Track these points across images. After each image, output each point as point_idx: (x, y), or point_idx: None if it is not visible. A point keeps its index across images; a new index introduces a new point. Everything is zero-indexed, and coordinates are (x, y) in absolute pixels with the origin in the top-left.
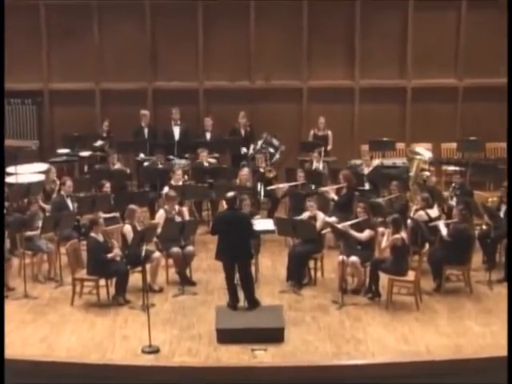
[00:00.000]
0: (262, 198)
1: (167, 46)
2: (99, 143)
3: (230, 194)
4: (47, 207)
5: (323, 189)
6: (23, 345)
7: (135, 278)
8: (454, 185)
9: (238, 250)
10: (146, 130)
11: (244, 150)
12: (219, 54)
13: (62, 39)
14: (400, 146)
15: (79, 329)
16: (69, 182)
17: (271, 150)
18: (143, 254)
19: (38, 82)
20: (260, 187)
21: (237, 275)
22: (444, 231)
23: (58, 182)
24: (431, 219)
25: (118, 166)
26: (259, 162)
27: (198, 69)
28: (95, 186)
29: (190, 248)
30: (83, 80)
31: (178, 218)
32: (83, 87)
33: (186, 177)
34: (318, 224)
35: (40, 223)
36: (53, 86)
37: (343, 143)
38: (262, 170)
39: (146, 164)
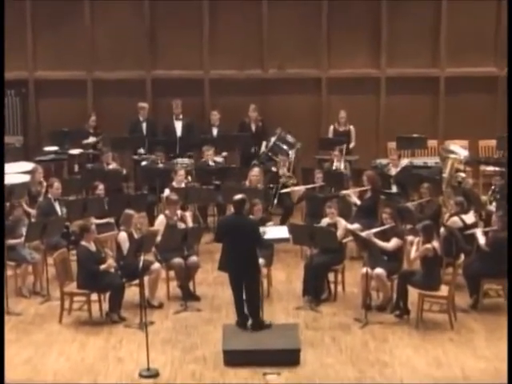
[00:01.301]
0: (275, 202)
1: (168, 30)
2: (91, 140)
3: (239, 196)
4: (32, 212)
5: (344, 192)
6: (5, 367)
7: (132, 293)
8: (493, 187)
9: (242, 262)
10: (144, 125)
11: (255, 148)
12: (227, 38)
13: (49, 22)
14: (432, 143)
15: (68, 350)
16: (57, 184)
17: (285, 148)
18: (141, 265)
19: (21, 71)
20: (273, 190)
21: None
22: (482, 240)
23: (44, 184)
24: (467, 226)
25: (112, 165)
26: (281, 163)
27: (202, 56)
28: (87, 188)
29: (193, 258)
30: (73, 68)
31: (180, 225)
32: (73, 76)
33: (189, 178)
34: (339, 232)
35: (24, 230)
36: (39, 74)
37: (367, 140)
38: (275, 169)
39: (144, 163)
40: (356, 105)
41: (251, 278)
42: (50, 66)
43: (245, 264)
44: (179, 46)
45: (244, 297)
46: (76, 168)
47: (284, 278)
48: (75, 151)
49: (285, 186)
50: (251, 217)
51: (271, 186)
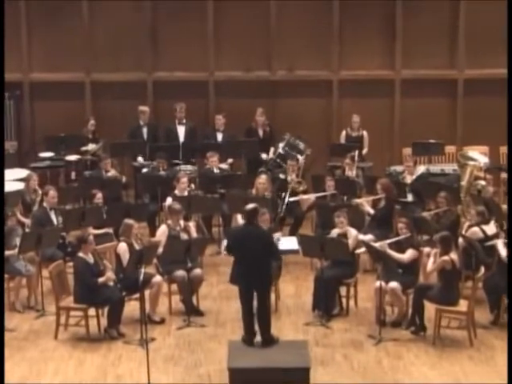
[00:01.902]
0: (284, 211)
1: (170, 29)
2: (91, 147)
3: (251, 205)
4: (27, 222)
5: (357, 201)
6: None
7: (131, 307)
8: None
9: (255, 274)
10: (144, 130)
11: (263, 154)
12: (233, 38)
13: (45, 20)
14: (450, 149)
15: (64, 367)
16: (52, 192)
17: (295, 154)
18: (141, 278)
19: (15, 72)
20: (281, 198)
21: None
22: (503, 252)
23: (39, 192)
24: (487, 237)
25: (111, 172)
26: (290, 169)
27: (207, 56)
28: (84, 197)
29: (197, 271)
30: (70, 70)
31: (183, 236)
32: (70, 78)
33: (192, 186)
34: (351, 243)
35: (18, 241)
36: (34, 76)
37: (381, 146)
38: (283, 176)
39: (144, 170)
40: (369, 108)
41: (263, 291)
42: (45, 67)
43: (258, 276)
44: (182, 45)
45: (254, 311)
46: (73, 175)
47: (293, 292)
48: (72, 157)
49: (294, 192)
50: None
51: (279, 194)
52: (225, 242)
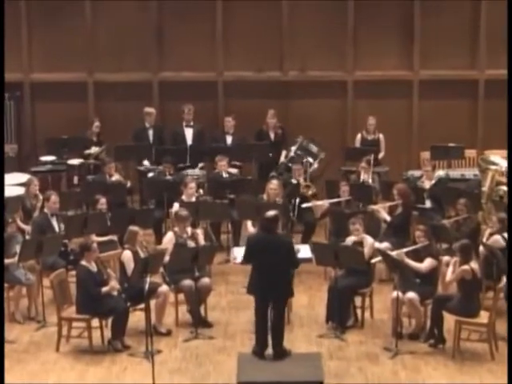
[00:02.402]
0: (296, 218)
1: (177, 27)
2: (94, 150)
3: (271, 212)
4: (27, 228)
5: (373, 207)
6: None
7: (136, 318)
8: None
9: (274, 284)
10: (150, 132)
11: (274, 157)
12: (243, 36)
13: (46, 19)
14: (470, 153)
15: (66, 380)
16: (54, 198)
17: (308, 159)
18: (147, 287)
19: (16, 72)
20: (293, 204)
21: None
22: None
23: (40, 197)
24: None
25: (115, 177)
26: (296, 174)
27: (215, 56)
28: (87, 203)
29: (205, 280)
30: (72, 69)
31: (190, 243)
32: (72, 78)
33: (200, 191)
34: (367, 251)
35: (18, 248)
36: (35, 76)
37: (398, 150)
38: (295, 181)
39: (150, 175)
40: (386, 110)
41: (281, 302)
42: (46, 66)
43: (277, 287)
44: (189, 44)
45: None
46: (75, 180)
47: (306, 303)
48: (75, 161)
49: (304, 197)
50: None
51: (291, 199)
52: (235, 251)
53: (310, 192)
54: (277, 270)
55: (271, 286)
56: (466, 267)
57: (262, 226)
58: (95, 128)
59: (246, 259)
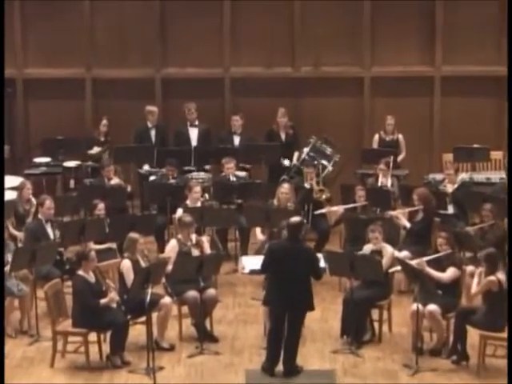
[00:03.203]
0: (309, 224)
1: (181, 20)
2: (95, 150)
3: (295, 219)
4: (20, 235)
5: (392, 213)
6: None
7: (137, 332)
8: None
9: (294, 296)
10: (152, 133)
11: (285, 160)
12: (251, 30)
13: (42, 12)
14: (496, 155)
15: None
16: (48, 202)
17: (321, 161)
18: (148, 299)
19: (8, 68)
20: (306, 210)
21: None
22: None
23: (34, 202)
24: None
25: (114, 180)
26: (308, 177)
27: (222, 51)
28: (84, 208)
29: (211, 292)
30: (69, 65)
31: (195, 252)
32: (69, 75)
33: (206, 196)
34: (385, 261)
35: (10, 257)
36: (29, 72)
37: (419, 151)
38: (308, 185)
39: (152, 178)
40: (405, 109)
41: (299, 316)
42: (41, 61)
43: (296, 299)
44: (194, 38)
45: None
46: (72, 183)
47: (319, 316)
48: (71, 163)
49: (317, 202)
50: None
51: (304, 205)
52: (243, 260)
53: (323, 196)
54: (298, 281)
55: (291, 298)
56: (492, 278)
57: (287, 233)
58: (103, 127)
59: (265, 268)
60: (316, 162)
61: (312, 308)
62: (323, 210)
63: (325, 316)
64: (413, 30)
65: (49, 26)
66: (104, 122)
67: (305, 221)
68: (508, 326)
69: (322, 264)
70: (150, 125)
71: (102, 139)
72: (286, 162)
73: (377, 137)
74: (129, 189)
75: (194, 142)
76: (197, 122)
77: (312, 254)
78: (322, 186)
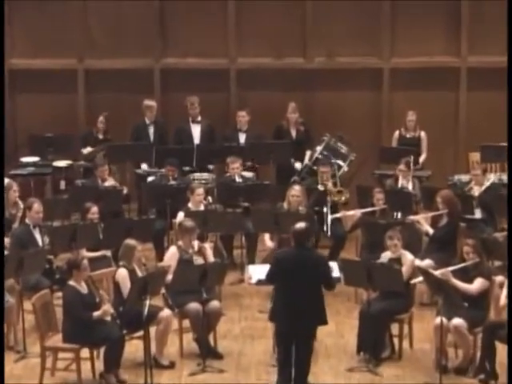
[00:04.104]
0: (324, 230)
1: (182, 7)
2: (88, 150)
3: (301, 225)
4: (6, 242)
5: (413, 218)
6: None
7: (134, 348)
8: None
9: (304, 309)
10: (151, 130)
11: (296, 163)
12: (259, 17)
13: None
14: None
15: None
16: (37, 206)
17: (336, 161)
18: (146, 312)
19: None
20: (324, 213)
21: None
22: None
23: (21, 205)
24: None
25: (109, 181)
26: (323, 177)
27: (227, 39)
28: (76, 212)
29: (214, 304)
30: (59, 55)
31: (197, 260)
32: (60, 65)
33: (209, 198)
34: (406, 270)
35: None
36: (15, 63)
37: (443, 150)
38: (321, 187)
39: (150, 179)
40: (428, 104)
41: (310, 331)
42: (29, 52)
43: (306, 312)
44: (197, 26)
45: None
46: (62, 185)
47: (333, 330)
48: (61, 163)
49: (334, 206)
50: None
51: (317, 209)
52: (250, 269)
53: (343, 198)
54: (308, 293)
55: (300, 312)
56: None
57: (293, 240)
58: (100, 123)
59: (270, 278)
60: (333, 161)
61: (324, 322)
62: (338, 215)
63: (340, 330)
64: (436, 16)
65: (37, 12)
66: (101, 118)
67: (317, 226)
68: (508, 325)
69: (337, 273)
70: (147, 121)
71: (101, 137)
72: (298, 166)
73: (397, 134)
74: (125, 191)
75: (196, 140)
76: (199, 118)
77: (323, 261)
78: (339, 186)
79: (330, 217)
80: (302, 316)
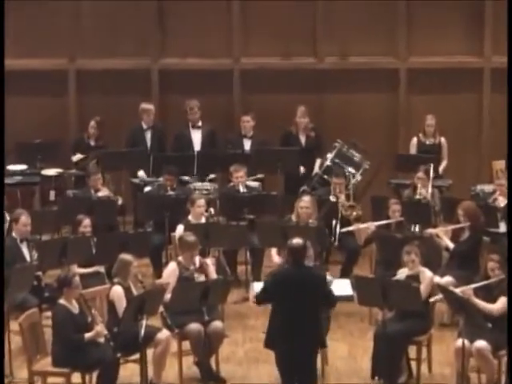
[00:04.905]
0: (335, 244)
1: (182, 2)
2: (78, 157)
3: (297, 240)
4: None
5: (432, 231)
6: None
7: (129, 372)
8: None
9: (303, 333)
10: (148, 135)
11: (301, 171)
12: (265, 13)
13: None
14: None
15: None
16: (24, 218)
17: (348, 169)
18: (142, 333)
19: None
20: (331, 228)
21: None
22: None
23: (7, 218)
24: None
25: (103, 191)
26: (336, 189)
27: (230, 38)
28: (67, 225)
29: (217, 324)
30: (49, 55)
31: (198, 277)
32: (49, 66)
33: (211, 210)
34: (425, 288)
35: None
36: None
37: (465, 158)
38: (333, 198)
39: (147, 189)
40: (449, 107)
41: (311, 356)
42: (15, 51)
43: (306, 335)
44: (198, 23)
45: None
46: (52, 195)
47: (345, 353)
48: (51, 171)
49: (345, 219)
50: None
51: (328, 222)
52: (255, 287)
53: (354, 214)
54: (307, 315)
55: (298, 336)
56: None
57: (289, 257)
58: (91, 129)
59: (262, 298)
60: (346, 171)
61: (323, 344)
62: (351, 228)
63: (352, 353)
64: (457, 12)
65: (25, 9)
66: (92, 123)
67: (328, 240)
68: (508, 325)
69: (349, 291)
70: (144, 125)
71: (92, 144)
72: (302, 170)
73: (415, 140)
74: (120, 201)
75: (196, 147)
76: (200, 123)
77: (320, 277)
78: (352, 201)
79: (338, 230)
80: (300, 340)
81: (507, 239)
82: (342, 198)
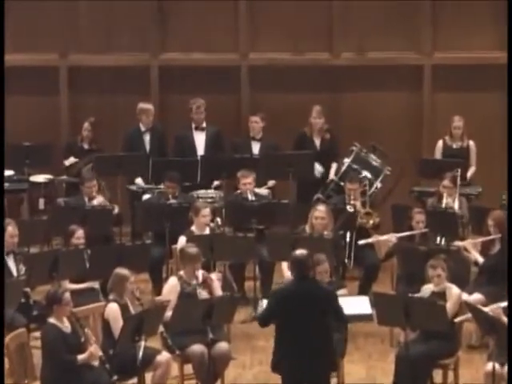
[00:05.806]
0: (352, 259)
1: None
2: (70, 161)
3: (301, 252)
4: None
5: (460, 243)
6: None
7: None
8: None
9: (311, 353)
10: (147, 138)
11: (319, 171)
12: (276, 5)
13: None
14: None
15: None
16: (11, 229)
17: (367, 175)
18: (140, 354)
19: None
20: (348, 240)
21: None
22: None
23: None
24: None
25: (97, 199)
26: (351, 195)
27: (237, 32)
28: (58, 236)
29: (222, 346)
30: (39, 50)
31: (201, 293)
32: (38, 62)
33: (217, 220)
34: (450, 306)
35: None
36: None
37: (495, 163)
38: (351, 208)
39: (146, 197)
40: (478, 107)
41: (322, 379)
42: (6, 46)
43: (315, 358)
44: (202, 16)
45: None
46: (41, 204)
47: (363, 376)
48: (40, 178)
49: (362, 229)
50: None
51: (346, 233)
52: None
53: (371, 222)
54: (315, 334)
55: (305, 357)
56: None
57: (293, 270)
58: (85, 131)
59: (265, 320)
60: (363, 176)
61: (334, 368)
62: (370, 240)
63: (371, 376)
64: (485, 5)
65: (16, 3)
66: (86, 124)
67: (345, 254)
68: (508, 325)
69: (368, 309)
70: (143, 127)
71: (86, 147)
72: (319, 169)
73: (440, 144)
74: (116, 210)
75: (200, 150)
76: (204, 124)
77: (326, 291)
78: (368, 207)
79: (353, 246)
80: (308, 363)
81: (507, 239)
82: (358, 204)
